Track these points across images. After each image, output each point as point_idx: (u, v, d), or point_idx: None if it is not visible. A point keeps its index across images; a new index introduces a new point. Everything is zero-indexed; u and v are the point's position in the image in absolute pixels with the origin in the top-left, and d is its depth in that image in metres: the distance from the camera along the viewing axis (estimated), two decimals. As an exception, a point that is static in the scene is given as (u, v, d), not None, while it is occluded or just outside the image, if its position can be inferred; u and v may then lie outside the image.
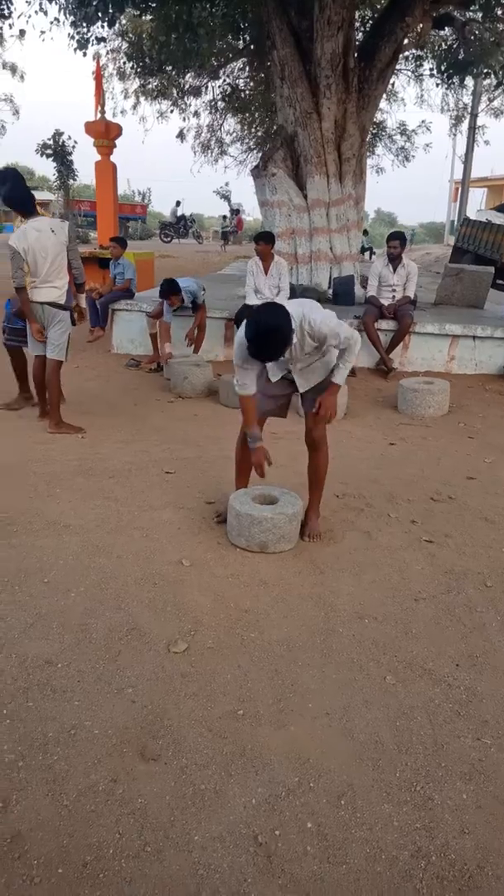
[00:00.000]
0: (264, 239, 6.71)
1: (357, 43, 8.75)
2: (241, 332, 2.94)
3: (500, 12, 10.41)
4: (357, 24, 10.44)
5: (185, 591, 2.77)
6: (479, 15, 10.49)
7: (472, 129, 20.42)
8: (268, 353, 2.80)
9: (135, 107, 14.64)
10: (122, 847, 1.64)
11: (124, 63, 12.90)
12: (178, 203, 28.40)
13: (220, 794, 1.80)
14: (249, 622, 2.59)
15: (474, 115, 19.11)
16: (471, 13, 10.25)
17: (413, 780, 1.88)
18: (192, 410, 5.48)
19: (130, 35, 12.02)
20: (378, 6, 11.00)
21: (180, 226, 27.72)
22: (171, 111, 14.56)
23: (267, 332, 2.71)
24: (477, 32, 10.74)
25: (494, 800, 1.82)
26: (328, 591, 2.84)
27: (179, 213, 28.37)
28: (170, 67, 12.05)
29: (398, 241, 6.72)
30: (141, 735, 1.99)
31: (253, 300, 6.71)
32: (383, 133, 16.75)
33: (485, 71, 11.48)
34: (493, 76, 11.34)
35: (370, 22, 10.89)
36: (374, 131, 15.57)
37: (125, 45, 12.39)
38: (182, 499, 3.68)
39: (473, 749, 2.00)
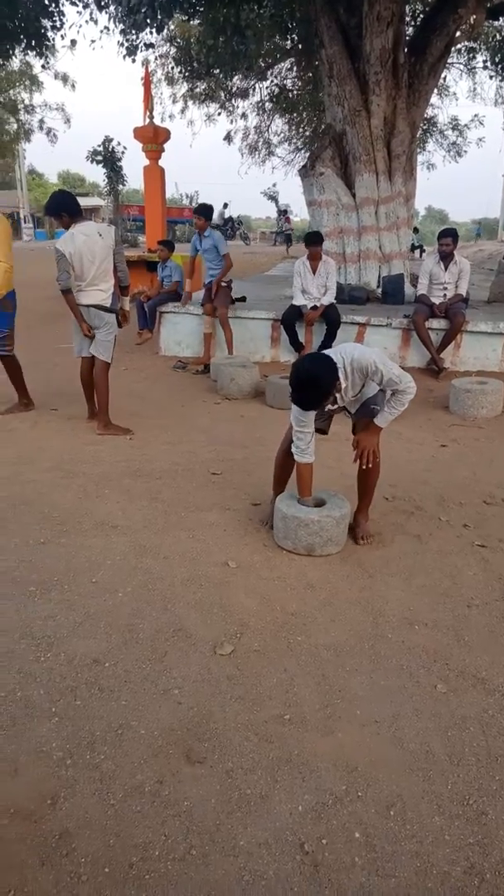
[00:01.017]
0: (316, 241, 6.67)
1: (407, 38, 8.61)
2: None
3: None
4: (407, 19, 10.29)
5: (231, 593, 2.76)
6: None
7: (528, 120, 19.78)
8: (308, 401, 2.83)
9: (183, 111, 14.85)
10: (167, 849, 1.63)
11: (172, 68, 13.08)
12: (225, 205, 28.56)
13: (265, 799, 1.78)
14: (296, 626, 2.56)
15: (530, 106, 18.50)
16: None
17: (466, 793, 1.82)
18: (239, 412, 5.48)
19: (178, 40, 12.17)
20: (429, -1, 10.81)
21: (227, 227, 27.83)
22: (219, 114, 14.69)
23: (308, 380, 2.75)
24: (532, 21, 10.43)
25: (552, 818, 1.74)
26: (377, 595, 2.79)
27: (227, 215, 28.52)
28: (217, 70, 12.13)
29: (450, 237, 6.57)
30: (186, 737, 1.98)
31: (300, 301, 6.68)
32: (434, 128, 16.47)
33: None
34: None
35: (421, 16, 10.70)
36: (424, 127, 15.30)
37: (173, 50, 12.55)
38: (228, 500, 3.67)
39: (530, 763, 1.92)
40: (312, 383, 2.75)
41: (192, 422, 5.17)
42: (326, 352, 2.93)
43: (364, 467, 3.12)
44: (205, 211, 6.84)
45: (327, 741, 1.99)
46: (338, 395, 2.96)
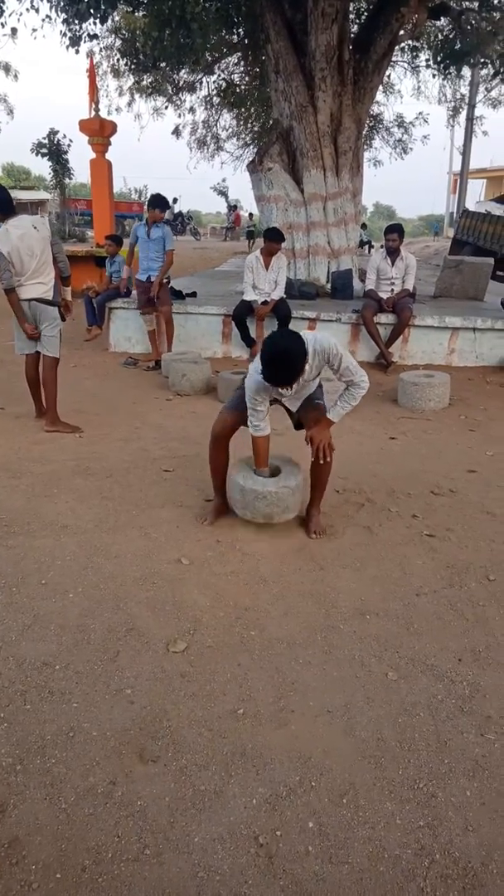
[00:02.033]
0: (277, 238, 6.59)
1: (352, 35, 8.69)
2: (252, 372, 2.98)
3: (496, 0, 10.34)
4: (352, 16, 10.37)
5: (184, 589, 2.75)
6: (476, 4, 10.42)
7: (470, 119, 20.30)
8: (280, 377, 2.78)
9: (130, 104, 14.59)
10: (121, 850, 1.62)
11: (118, 60, 12.84)
12: (174, 200, 28.32)
13: (220, 794, 1.78)
14: (249, 620, 2.56)
15: (472, 106, 18.99)
16: (467, 2, 10.18)
17: (416, 777, 1.86)
18: (191, 408, 5.45)
19: (123, 31, 11.96)
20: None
21: (177, 223, 27.63)
22: (166, 107, 14.50)
23: (282, 354, 2.72)
24: (473, 22, 10.66)
25: (499, 796, 1.80)
26: (329, 587, 2.82)
27: (177, 210, 28.30)
28: (164, 63, 11.98)
29: (396, 233, 6.66)
30: (140, 736, 1.97)
31: (251, 296, 6.68)
32: (380, 125, 16.67)
33: (482, 60, 11.39)
34: (490, 66, 11.25)
35: (365, 14, 10.81)
36: (370, 124, 15.49)
37: (118, 42, 12.33)
38: (181, 497, 3.65)
39: (477, 745, 1.97)
40: (286, 358, 2.72)
41: (143, 418, 5.12)
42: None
43: (322, 462, 3.14)
44: (160, 202, 6.61)
45: (281, 733, 2.00)
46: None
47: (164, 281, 6.72)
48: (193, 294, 7.79)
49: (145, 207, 6.84)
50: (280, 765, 1.88)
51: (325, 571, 2.94)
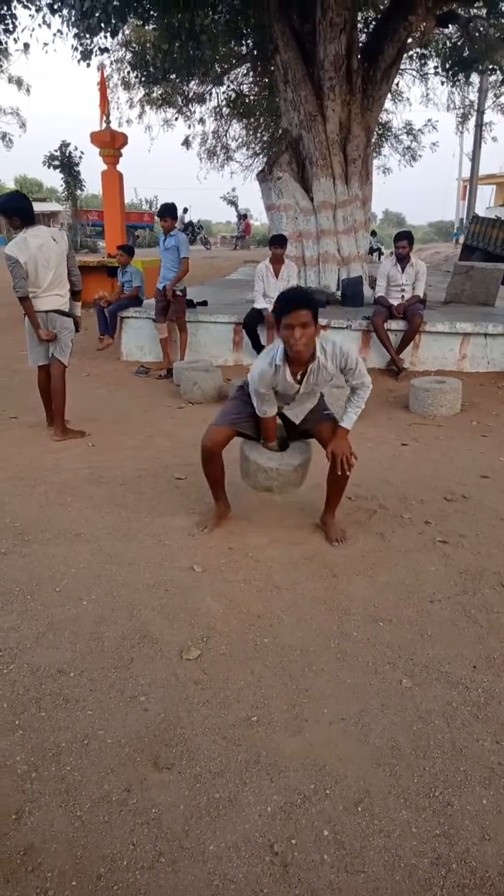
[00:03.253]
0: (280, 242, 6.67)
1: (360, 44, 8.74)
2: (256, 363, 3.02)
3: None
4: (360, 25, 10.44)
5: (197, 597, 2.75)
6: (484, 11, 10.46)
7: (479, 126, 20.32)
8: (296, 295, 2.80)
9: (140, 116, 14.76)
10: (136, 858, 1.62)
11: (128, 73, 13.00)
12: (185, 210, 28.53)
13: (234, 802, 1.78)
14: (262, 627, 2.56)
15: (481, 112, 19.00)
16: (475, 10, 10.22)
17: (431, 785, 1.85)
18: (203, 416, 5.46)
19: (134, 45, 12.12)
20: (381, 6, 10.99)
21: (188, 232, 27.82)
22: (176, 119, 14.65)
23: (302, 292, 2.85)
24: (482, 29, 10.69)
25: (515, 805, 1.78)
26: (342, 594, 2.81)
27: (187, 220, 28.51)
28: (174, 75, 12.13)
29: (406, 240, 6.68)
30: (154, 743, 1.97)
31: (262, 304, 6.71)
32: (389, 133, 16.74)
33: (490, 67, 11.42)
34: (498, 72, 11.28)
35: (373, 23, 10.88)
36: (379, 132, 15.55)
37: (129, 55, 12.48)
38: (193, 504, 3.66)
39: (493, 752, 1.96)
40: (305, 296, 2.78)
41: (155, 427, 5.14)
42: None
43: (345, 473, 3.12)
44: (169, 211, 6.68)
45: (295, 741, 2.00)
46: (311, 374, 2.96)
47: (179, 293, 6.77)
48: (204, 303, 7.83)
49: (155, 218, 6.92)
50: (294, 772, 1.88)
51: (337, 578, 2.94)
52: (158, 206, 6.85)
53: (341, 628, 2.57)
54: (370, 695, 2.20)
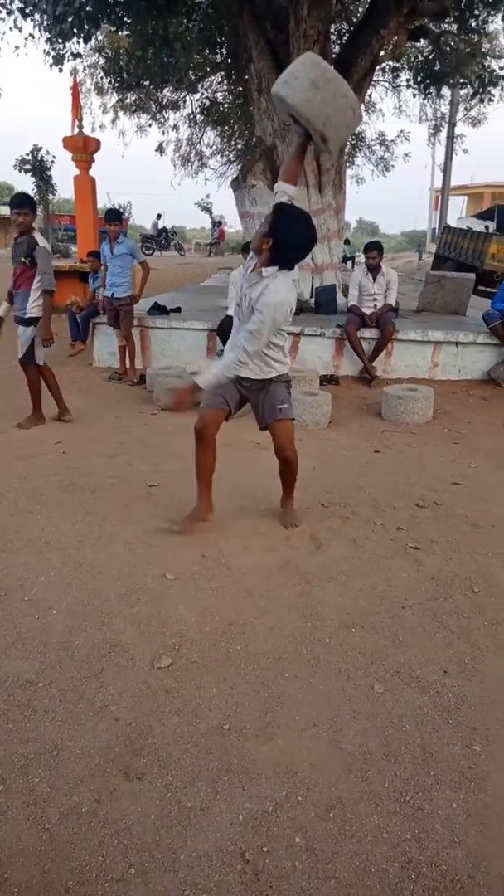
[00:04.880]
0: (248, 251, 6.71)
1: (334, 55, 8.84)
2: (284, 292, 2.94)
3: (473, 24, 10.59)
4: (333, 37, 10.57)
5: (169, 605, 2.74)
6: (454, 27, 10.67)
7: (451, 138, 20.67)
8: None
9: (113, 121, 14.71)
10: (105, 870, 1.59)
11: (102, 78, 12.95)
12: (158, 216, 28.48)
13: (206, 811, 1.77)
14: (235, 635, 2.56)
15: (452, 125, 19.35)
16: (445, 25, 10.42)
17: (402, 790, 1.86)
18: (175, 422, 5.44)
19: (107, 50, 12.08)
20: (354, 19, 11.15)
21: (162, 238, 27.77)
22: (150, 125, 14.63)
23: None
24: (452, 44, 10.90)
25: (484, 808, 1.80)
26: (315, 601, 2.82)
27: (161, 226, 28.46)
28: (147, 82, 12.11)
29: (375, 251, 6.79)
30: (125, 753, 1.95)
31: (235, 311, 6.72)
32: (362, 143, 16.93)
33: (461, 81, 11.64)
34: (469, 86, 11.49)
35: (346, 35, 11.02)
36: (353, 142, 15.72)
37: (102, 61, 12.44)
38: (166, 512, 3.64)
39: (463, 757, 1.98)
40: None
41: (128, 433, 5.11)
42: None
43: (290, 468, 3.40)
44: (116, 216, 6.59)
45: (267, 748, 1.99)
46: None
47: (129, 301, 6.64)
48: (178, 309, 7.82)
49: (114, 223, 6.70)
50: (266, 780, 1.87)
51: (310, 585, 2.94)
52: (131, 212, 6.83)
53: (314, 635, 2.57)
54: (342, 701, 2.21)
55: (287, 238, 2.85)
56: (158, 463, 4.42)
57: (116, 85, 12.40)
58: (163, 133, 15.12)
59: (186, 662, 2.38)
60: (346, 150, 11.82)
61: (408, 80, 12.87)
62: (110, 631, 2.53)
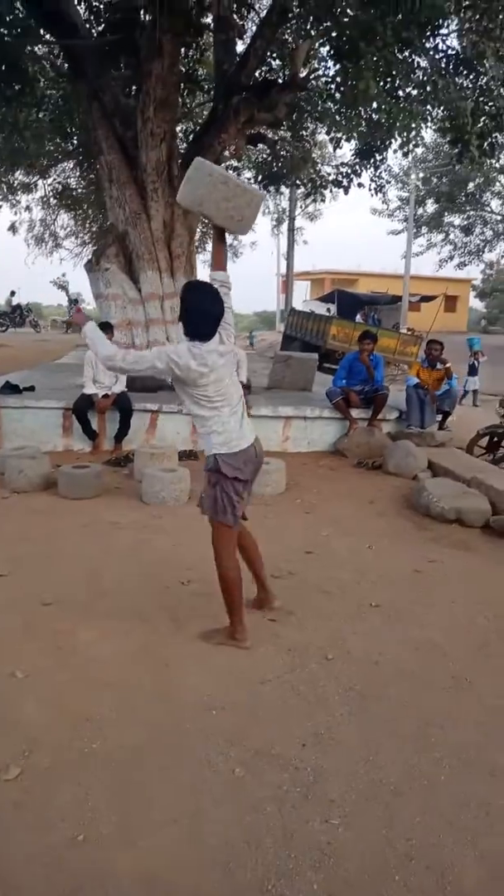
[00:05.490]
0: (106, 329, 6.80)
1: (181, 151, 9.45)
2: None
3: (304, 133, 11.89)
4: (180, 136, 11.33)
5: (17, 706, 2.55)
6: (288, 135, 11.89)
7: (291, 230, 22.59)
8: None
9: (-38, 199, 14.46)
10: None
11: None
12: (12, 293, 27.98)
13: (56, 939, 1.62)
14: (91, 731, 2.43)
15: (292, 219, 21.22)
16: (282, 132, 11.59)
17: (264, 878, 1.83)
18: (29, 505, 5.22)
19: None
20: (199, 120, 12.05)
21: (16, 315, 27.18)
22: (0, 206, 14.55)
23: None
24: (287, 150, 12.11)
25: (344, 884, 1.82)
26: (174, 685, 2.76)
27: (14, 303, 27.90)
28: (-2, 165, 12.16)
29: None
30: (-38, 887, 1.75)
31: (91, 389, 6.71)
32: (213, 232, 17.99)
33: (296, 182, 12.88)
34: (303, 187, 12.74)
35: (191, 135, 11.85)
36: (203, 230, 16.64)
37: None
38: (17, 602, 3.43)
39: (321, 832, 1.99)
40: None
41: (-25, 520, 4.80)
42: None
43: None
44: None
45: (125, 855, 1.89)
46: None
47: None
48: (31, 388, 7.63)
49: None
50: (125, 891, 1.77)
51: (170, 668, 2.89)
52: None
53: (173, 721, 2.51)
54: (203, 790, 2.16)
55: (187, 307, 3.00)
56: (9, 550, 4.18)
57: (-36, 165, 12.31)
58: (15, 214, 15.11)
59: (37, 770, 2.21)
60: (198, 238, 12.49)
61: (249, 179, 14.01)
62: (-51, 744, 2.31)
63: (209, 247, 18.29)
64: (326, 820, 2.04)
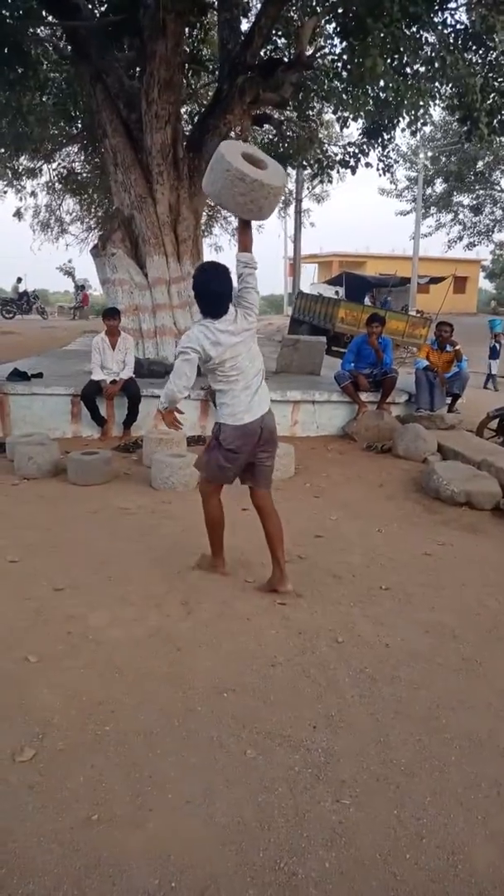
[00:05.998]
0: (112, 315, 6.80)
1: (186, 134, 9.35)
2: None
3: (311, 113, 11.72)
4: (185, 118, 11.21)
5: (31, 690, 2.58)
6: (294, 115, 11.73)
7: (298, 213, 22.37)
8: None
9: (-32, 186, 14.41)
10: None
11: (-47, 144, 12.71)
12: (19, 279, 27.91)
13: (72, 917, 1.65)
14: (103, 715, 2.45)
15: (299, 201, 21.00)
16: (288, 112, 11.43)
17: (276, 857, 1.85)
18: (39, 492, 5.25)
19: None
20: (204, 102, 11.90)
21: (23, 302, 27.15)
22: (5, 192, 14.49)
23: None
24: (293, 130, 11.95)
25: (355, 864, 1.84)
26: (185, 668, 2.78)
27: (21, 290, 27.86)
28: (2, 150, 12.08)
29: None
30: (-20, 866, 1.78)
31: (99, 375, 6.71)
32: (219, 214, 17.84)
33: (303, 163, 12.71)
34: (310, 168, 12.57)
35: (196, 116, 11.72)
36: (209, 213, 16.52)
37: (-47, 127, 12.25)
38: (28, 588, 3.46)
39: (333, 812, 2.01)
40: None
41: (-14, 507, 4.83)
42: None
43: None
44: None
45: (139, 835, 1.91)
46: None
47: None
48: (40, 375, 7.64)
49: None
50: (138, 870, 1.79)
51: (181, 652, 2.91)
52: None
53: (185, 704, 2.53)
54: (215, 771, 2.18)
55: (196, 288, 3.31)
56: (20, 536, 4.22)
57: (-31, 151, 12.26)
58: (20, 199, 15.05)
59: (51, 752, 2.24)
60: (204, 222, 12.41)
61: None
62: (-36, 727, 2.34)
63: (216, 230, 18.20)
64: (338, 800, 2.06)
